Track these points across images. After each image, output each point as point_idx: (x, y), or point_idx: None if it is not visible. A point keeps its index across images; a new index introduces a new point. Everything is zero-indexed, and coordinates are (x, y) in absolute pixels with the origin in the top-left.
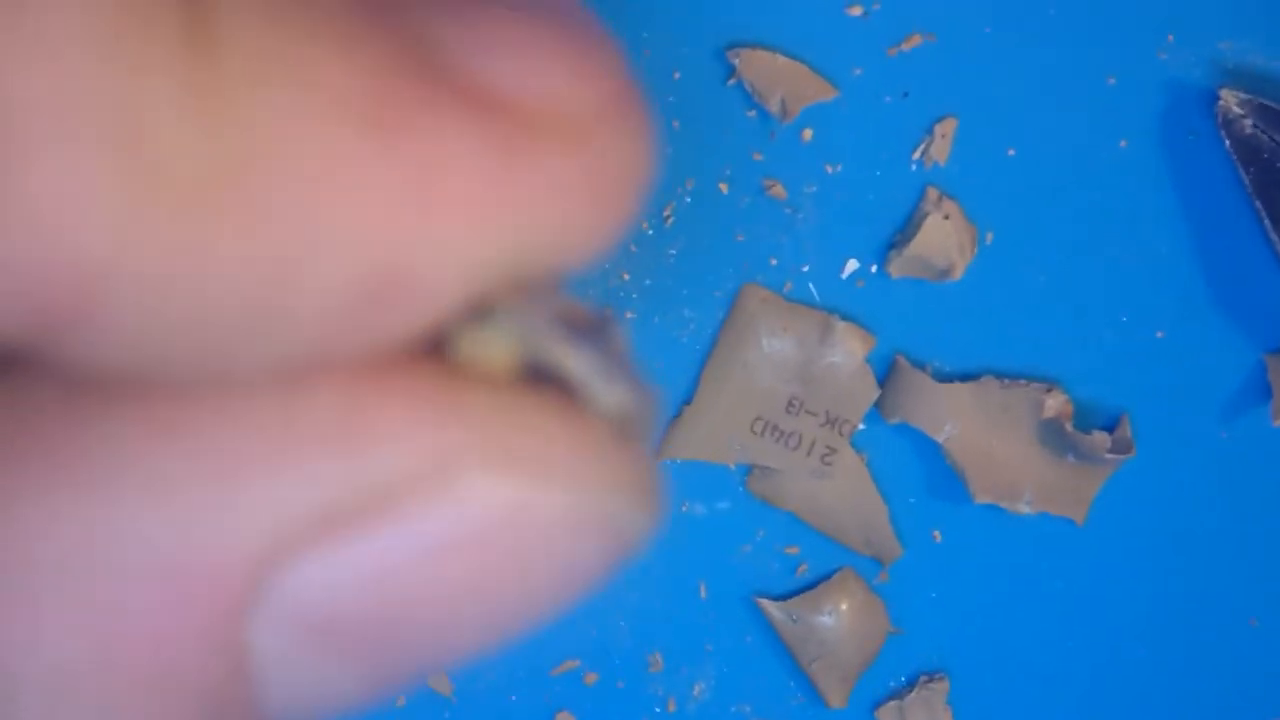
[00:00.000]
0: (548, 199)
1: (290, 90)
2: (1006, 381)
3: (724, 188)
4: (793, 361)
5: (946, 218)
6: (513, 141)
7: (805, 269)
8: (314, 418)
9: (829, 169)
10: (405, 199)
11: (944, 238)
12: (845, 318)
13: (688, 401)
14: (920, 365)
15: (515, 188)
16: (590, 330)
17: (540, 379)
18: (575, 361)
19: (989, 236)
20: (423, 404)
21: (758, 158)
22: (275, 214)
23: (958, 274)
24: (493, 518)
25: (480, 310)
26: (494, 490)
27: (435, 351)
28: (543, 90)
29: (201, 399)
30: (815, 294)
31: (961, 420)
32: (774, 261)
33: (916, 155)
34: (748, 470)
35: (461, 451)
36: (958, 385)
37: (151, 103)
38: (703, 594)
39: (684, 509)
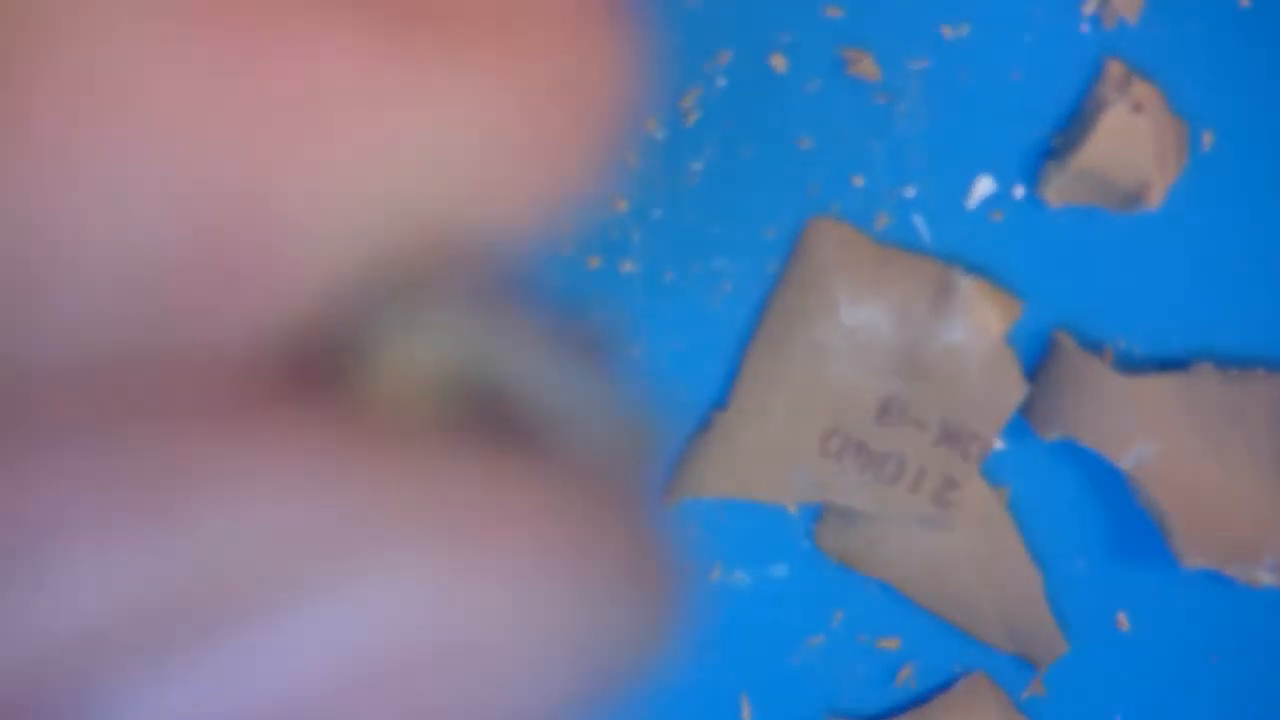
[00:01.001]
0: (477, 126)
1: None
2: (1234, 372)
3: (779, 63)
4: (889, 341)
5: (1138, 110)
6: (421, 38)
7: (909, 193)
8: (128, 470)
9: (946, 32)
10: (254, 117)
11: (1134, 142)
12: (972, 270)
13: (721, 406)
14: (1095, 347)
15: (426, 107)
16: (559, 334)
17: (483, 409)
18: (537, 382)
19: (1206, 140)
20: (301, 449)
21: (833, 14)
22: (46, 139)
23: (1155, 200)
24: (413, 629)
25: (394, 305)
26: (414, 587)
27: (327, 371)
28: None
29: None
30: (925, 233)
31: (1162, 435)
32: (859, 182)
33: (1090, 9)
34: (816, 515)
35: (361, 526)
36: (1154, 379)
37: None
38: (746, 713)
39: (715, 578)
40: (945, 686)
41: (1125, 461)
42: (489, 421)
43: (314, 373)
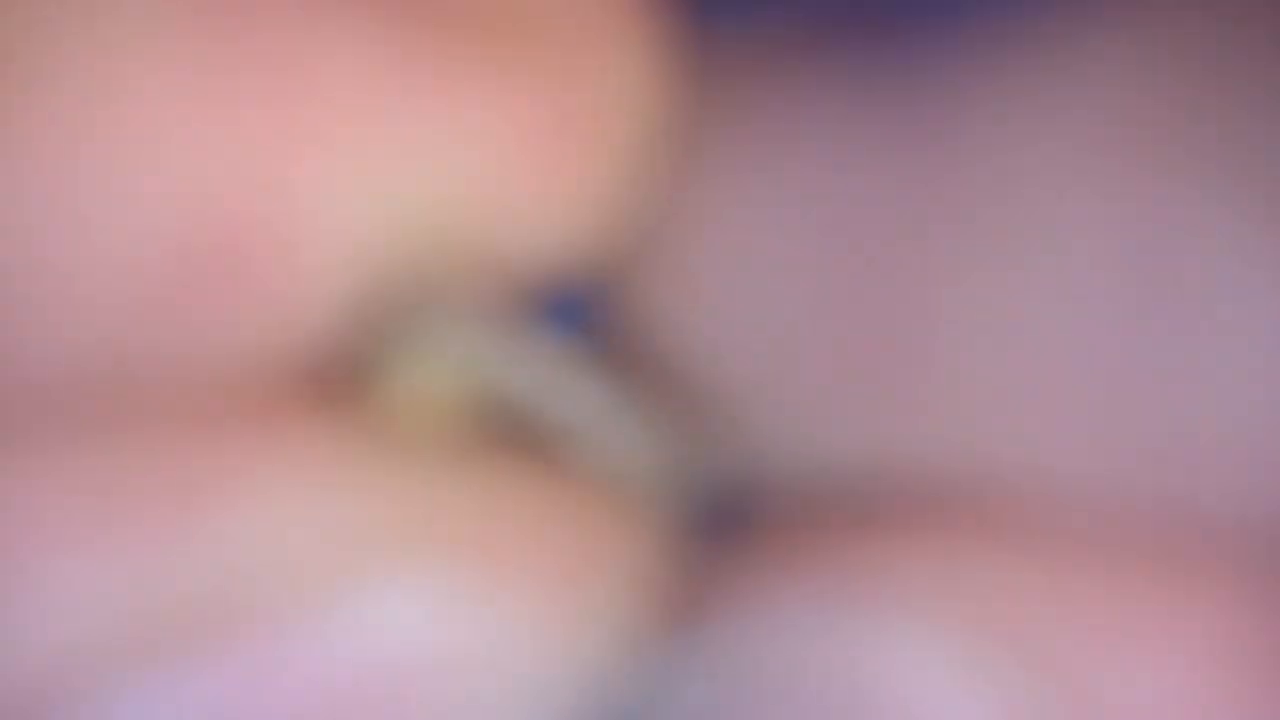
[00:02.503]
0: (495, 140)
1: None
2: None
3: None
4: None
5: None
6: (430, 46)
7: None
8: (136, 478)
9: None
10: (254, 121)
11: None
12: None
13: None
14: None
15: (436, 114)
16: (577, 354)
17: (503, 427)
18: (558, 398)
19: None
20: (309, 463)
21: None
22: (48, 139)
23: None
24: (416, 654)
25: (413, 323)
26: (418, 610)
27: (345, 386)
28: None
29: None
30: None
31: None
32: None
33: None
34: None
35: (370, 543)
36: None
37: None
38: None
39: None
40: None
41: None
42: (504, 439)
43: (332, 388)
